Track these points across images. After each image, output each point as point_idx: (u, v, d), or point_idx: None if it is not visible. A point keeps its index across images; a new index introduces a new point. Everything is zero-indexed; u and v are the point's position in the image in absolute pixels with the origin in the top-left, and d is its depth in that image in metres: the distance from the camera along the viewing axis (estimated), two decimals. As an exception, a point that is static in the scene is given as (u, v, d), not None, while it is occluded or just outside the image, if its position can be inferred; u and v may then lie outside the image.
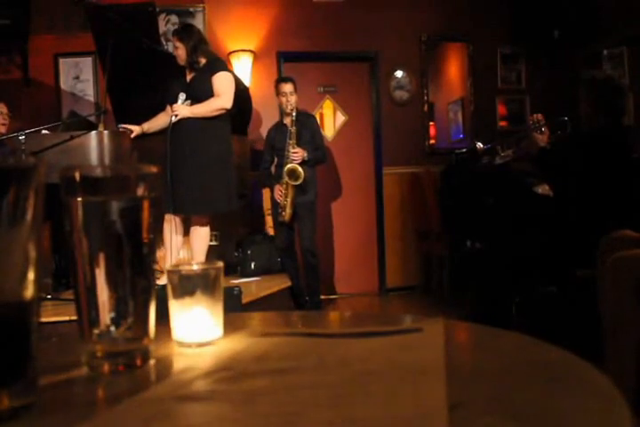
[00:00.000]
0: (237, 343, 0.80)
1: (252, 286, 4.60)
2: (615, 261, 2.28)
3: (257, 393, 0.58)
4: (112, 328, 0.70)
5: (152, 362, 0.73)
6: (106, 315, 0.69)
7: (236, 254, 5.19)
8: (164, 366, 0.74)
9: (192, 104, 4.05)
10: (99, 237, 0.69)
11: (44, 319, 3.14)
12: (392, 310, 5.62)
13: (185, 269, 0.81)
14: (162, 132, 4.13)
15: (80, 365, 0.71)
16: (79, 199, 0.68)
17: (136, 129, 4.24)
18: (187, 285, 0.80)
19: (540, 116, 3.39)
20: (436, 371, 0.61)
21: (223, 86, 4.08)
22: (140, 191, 0.71)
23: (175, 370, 0.72)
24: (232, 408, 0.55)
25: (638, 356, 2.02)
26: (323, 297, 5.43)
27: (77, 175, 0.68)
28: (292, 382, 0.62)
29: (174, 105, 4.02)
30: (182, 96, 4.05)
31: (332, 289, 6.27)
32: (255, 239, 5.25)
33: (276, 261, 5.19)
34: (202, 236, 4.27)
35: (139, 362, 0.72)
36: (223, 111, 4.09)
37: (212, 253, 5.42)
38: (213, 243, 5.54)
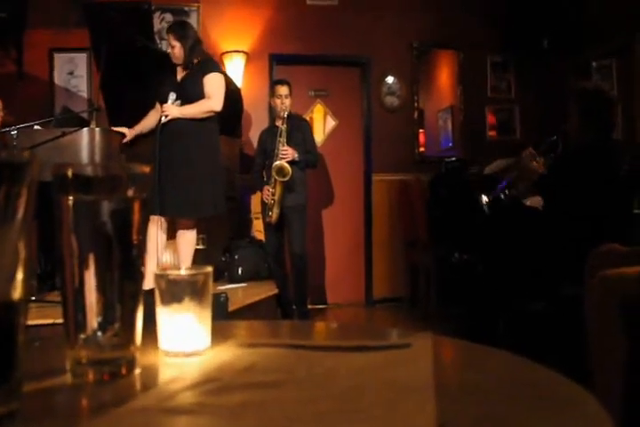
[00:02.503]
0: (225, 354, 0.79)
1: (239, 293, 4.56)
2: (600, 280, 2.29)
3: (244, 407, 0.58)
4: (99, 333, 0.69)
5: (137, 371, 0.72)
6: (93, 318, 0.68)
7: (224, 259, 5.14)
8: (150, 376, 0.73)
9: (182, 104, 4.00)
10: (88, 236, 0.69)
11: (27, 322, 3.09)
12: (378, 322, 5.60)
13: (173, 274, 0.79)
14: (150, 132, 4.10)
15: (64, 371, 0.70)
16: (70, 198, 0.67)
17: (129, 133, 4.20)
18: (175, 290, 0.78)
19: (530, 149, 3.40)
20: (425, 389, 0.60)
21: (214, 88, 4.04)
22: (132, 191, 0.70)
23: (161, 380, 0.71)
24: (218, 422, 0.55)
25: (624, 376, 2.02)
26: (310, 307, 5.39)
27: (69, 173, 0.68)
28: (280, 397, 0.61)
29: (164, 105, 3.98)
30: (172, 96, 4.00)
31: (320, 299, 6.23)
32: (243, 244, 5.21)
33: (264, 266, 5.15)
34: (188, 239, 4.23)
35: (124, 371, 0.71)
36: (213, 113, 4.05)
37: (198, 257, 5.38)
38: (200, 247, 5.49)
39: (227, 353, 0.79)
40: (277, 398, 0.60)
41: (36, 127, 4.42)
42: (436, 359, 0.72)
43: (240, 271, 5.04)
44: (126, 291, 0.70)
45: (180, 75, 4.13)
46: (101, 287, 0.68)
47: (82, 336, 0.69)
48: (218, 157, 4.18)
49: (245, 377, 0.68)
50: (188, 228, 4.20)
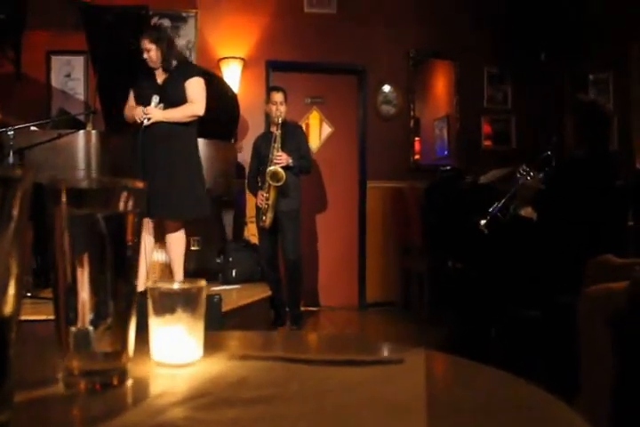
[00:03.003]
0: (216, 366, 0.79)
1: (233, 294, 4.58)
2: (590, 294, 2.30)
3: (235, 423, 0.57)
4: (90, 340, 0.68)
5: (129, 382, 0.72)
6: (86, 319, 0.68)
7: (218, 261, 5.16)
8: (142, 388, 0.72)
9: (165, 108, 4.01)
10: (81, 248, 0.68)
11: (22, 317, 3.08)
12: (371, 326, 5.61)
13: (166, 287, 0.79)
14: (135, 134, 4.05)
15: (56, 381, 0.70)
16: (63, 211, 0.67)
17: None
18: (167, 303, 0.78)
19: (523, 166, 3.42)
20: (416, 409, 0.60)
21: (196, 93, 4.08)
22: (125, 206, 0.70)
23: (152, 393, 0.70)
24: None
25: (611, 389, 2.03)
26: (302, 309, 5.43)
27: (63, 187, 0.67)
28: (271, 413, 0.61)
29: (148, 108, 3.96)
30: (155, 99, 3.99)
31: (313, 301, 6.25)
32: (237, 246, 5.23)
33: (258, 269, 5.17)
34: (177, 241, 4.24)
35: (116, 381, 0.71)
36: (196, 118, 4.09)
37: (193, 259, 5.43)
38: (195, 248, 5.53)
39: (218, 365, 0.79)
40: (268, 415, 0.60)
41: (32, 128, 4.44)
42: (427, 376, 0.72)
43: (234, 273, 5.08)
44: (119, 293, 0.70)
45: (159, 78, 4.12)
46: (94, 291, 0.68)
47: (73, 345, 0.68)
48: (199, 159, 4.21)
49: (236, 392, 0.67)
50: (175, 230, 4.21)
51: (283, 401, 0.64)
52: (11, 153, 3.99)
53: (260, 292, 4.78)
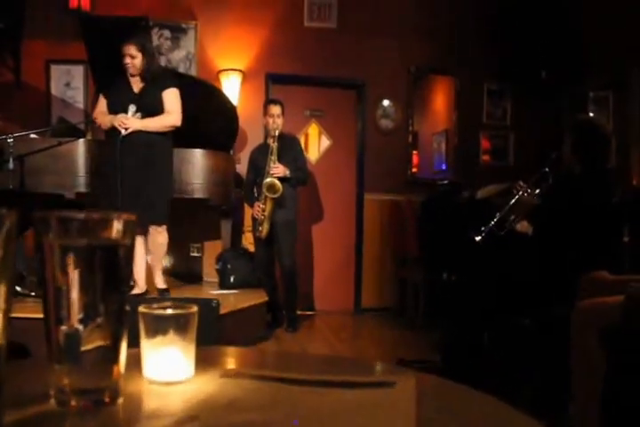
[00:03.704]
0: (207, 385, 0.79)
1: (231, 298, 4.63)
2: (584, 307, 2.30)
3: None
4: (81, 354, 0.68)
5: (121, 400, 0.72)
6: (74, 318, 0.68)
7: (217, 267, 5.20)
8: (133, 407, 0.72)
9: (143, 117, 4.04)
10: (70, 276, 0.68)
11: (24, 315, 3.15)
12: (366, 330, 5.63)
13: (158, 312, 0.80)
14: (113, 143, 4.04)
15: (48, 398, 0.69)
16: (53, 241, 0.68)
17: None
18: (159, 326, 0.79)
19: (520, 182, 3.43)
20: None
21: (174, 104, 4.14)
22: (116, 236, 0.70)
23: (143, 413, 0.70)
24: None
25: (600, 401, 2.03)
26: (299, 313, 5.54)
27: (53, 219, 0.68)
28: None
29: (125, 117, 3.98)
30: (132, 108, 4.02)
31: (309, 305, 6.32)
32: (235, 254, 5.27)
33: (255, 276, 5.21)
34: (159, 243, 4.29)
35: (107, 399, 0.70)
36: (173, 128, 4.15)
37: (193, 265, 5.56)
38: (195, 254, 5.59)
39: (209, 384, 0.79)
40: None
41: (32, 136, 4.49)
42: (419, 401, 0.71)
43: (232, 279, 5.12)
44: (110, 319, 0.70)
45: (134, 85, 4.14)
46: (83, 300, 0.68)
47: (65, 363, 0.68)
48: (172, 168, 4.30)
49: (225, 415, 0.67)
50: (157, 231, 4.26)
51: (272, 426, 0.64)
52: (11, 160, 4.05)
53: (257, 297, 4.83)
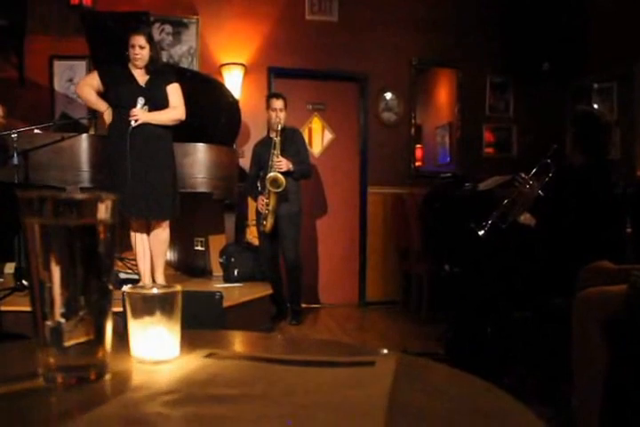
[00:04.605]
0: (191, 364, 0.81)
1: (235, 292, 4.63)
2: (586, 296, 2.30)
3: (200, 420, 0.60)
4: (64, 334, 0.71)
5: (107, 377, 0.75)
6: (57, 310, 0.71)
7: (221, 261, 5.20)
8: (119, 382, 0.75)
9: (149, 110, 4.07)
10: (54, 255, 0.71)
11: (21, 308, 3.26)
12: (370, 322, 5.63)
13: (144, 292, 0.83)
14: (120, 135, 4.05)
15: (36, 376, 0.72)
16: (37, 222, 0.69)
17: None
18: (146, 306, 0.82)
19: (522, 174, 3.42)
20: (375, 412, 0.61)
21: (178, 98, 4.19)
22: (99, 217, 0.73)
23: (129, 387, 0.73)
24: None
25: (603, 392, 2.03)
26: (304, 305, 5.56)
27: (36, 198, 0.70)
28: (235, 412, 0.63)
29: (134, 109, 4.00)
30: (141, 101, 4.04)
31: (314, 298, 6.32)
32: (238, 248, 5.25)
33: (260, 269, 5.21)
34: (162, 239, 4.31)
35: (93, 376, 0.73)
36: (178, 122, 4.19)
37: (198, 258, 5.59)
38: (199, 248, 5.59)
39: (193, 363, 0.82)
40: (233, 413, 0.62)
41: (35, 131, 4.52)
42: (398, 379, 0.72)
43: (236, 273, 5.11)
44: (91, 288, 0.72)
45: (139, 78, 4.15)
46: (65, 286, 0.71)
47: (48, 337, 0.71)
48: (174, 163, 4.31)
49: (205, 389, 0.70)
50: (161, 228, 4.28)
51: (247, 401, 0.66)
52: (15, 155, 4.08)
53: (261, 290, 4.83)
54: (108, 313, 0.75)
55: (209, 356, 0.85)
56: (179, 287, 0.84)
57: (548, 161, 3.47)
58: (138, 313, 0.81)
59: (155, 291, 0.83)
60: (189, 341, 0.87)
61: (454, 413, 0.65)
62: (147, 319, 0.81)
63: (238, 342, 1.07)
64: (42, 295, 0.70)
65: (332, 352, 0.92)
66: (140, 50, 4.06)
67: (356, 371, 0.78)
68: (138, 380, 0.76)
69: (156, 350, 0.82)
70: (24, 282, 3.90)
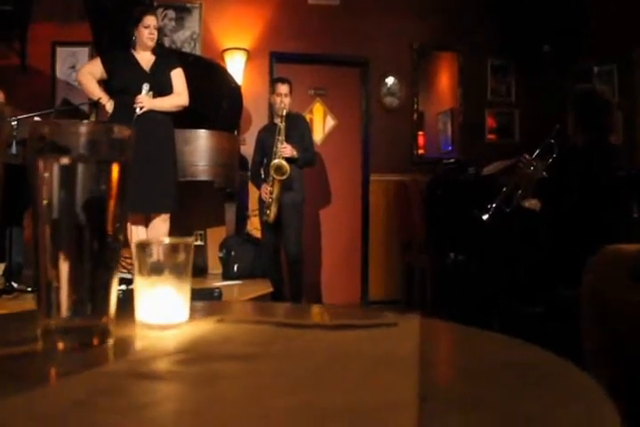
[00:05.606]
0: (202, 328, 0.77)
1: (234, 290, 4.50)
2: (602, 254, 2.23)
3: (216, 376, 0.56)
4: (69, 299, 0.67)
5: (110, 342, 0.71)
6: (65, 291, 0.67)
7: (220, 255, 5.09)
8: (123, 346, 0.71)
9: (154, 96, 4.01)
10: (61, 202, 0.67)
11: (24, 309, 3.08)
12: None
13: (154, 243, 0.77)
14: (124, 122, 3.97)
15: (36, 340, 0.68)
16: (45, 159, 0.66)
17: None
18: (154, 260, 0.76)
19: (526, 155, 3.39)
20: (408, 363, 0.58)
21: (182, 84, 4.15)
22: (111, 154, 0.69)
23: (134, 350, 0.70)
24: (188, 389, 0.53)
25: (611, 369, 2.00)
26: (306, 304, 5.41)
27: (46, 134, 0.66)
28: (255, 368, 0.59)
29: (139, 96, 3.93)
30: (146, 86, 3.97)
31: (315, 298, 6.22)
32: (239, 240, 5.12)
33: (260, 264, 5.06)
34: (160, 232, 4.19)
35: (95, 341, 0.69)
36: (182, 108, 4.14)
37: (197, 254, 5.36)
38: (199, 243, 5.46)
39: (204, 327, 0.77)
40: (251, 370, 0.58)
41: (36, 118, 4.44)
42: (424, 340, 0.69)
43: (235, 268, 4.96)
44: (99, 262, 0.68)
45: (143, 62, 4.09)
46: (73, 260, 0.67)
47: (53, 303, 0.67)
48: (175, 152, 4.24)
49: (221, 349, 0.66)
50: (162, 220, 4.19)
51: (265, 358, 0.62)
52: (14, 143, 3.98)
53: (262, 288, 4.67)
54: (114, 273, 0.70)
55: (221, 321, 0.80)
56: (191, 239, 0.79)
57: (552, 141, 3.44)
58: (145, 271, 0.76)
59: (166, 241, 0.78)
60: (197, 310, 0.82)
61: (487, 365, 0.62)
62: (154, 278, 0.76)
63: (250, 309, 1.04)
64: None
65: (352, 317, 0.90)
66: (154, 30, 4.03)
67: (378, 331, 0.74)
68: (144, 343, 0.72)
69: (163, 313, 0.76)
70: (13, 284, 3.72)
